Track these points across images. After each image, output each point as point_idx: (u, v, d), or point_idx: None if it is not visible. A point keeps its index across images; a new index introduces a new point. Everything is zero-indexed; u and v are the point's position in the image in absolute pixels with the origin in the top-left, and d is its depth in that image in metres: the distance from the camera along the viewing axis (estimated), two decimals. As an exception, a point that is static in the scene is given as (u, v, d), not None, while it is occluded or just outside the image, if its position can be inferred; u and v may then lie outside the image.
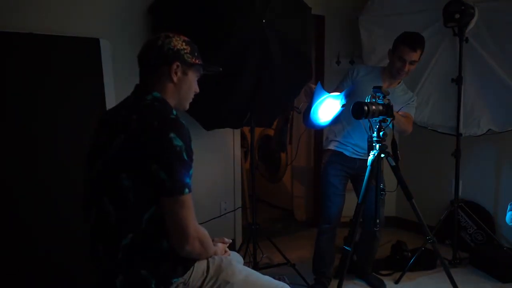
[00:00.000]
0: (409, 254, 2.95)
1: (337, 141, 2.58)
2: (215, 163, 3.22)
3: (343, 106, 2.24)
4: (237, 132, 3.34)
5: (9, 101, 2.14)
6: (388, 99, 2.10)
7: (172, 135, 1.25)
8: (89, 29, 2.49)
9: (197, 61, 1.45)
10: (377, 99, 2.08)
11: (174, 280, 1.34)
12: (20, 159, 2.16)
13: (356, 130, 2.46)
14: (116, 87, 2.52)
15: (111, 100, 2.42)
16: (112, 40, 2.50)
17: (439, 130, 3.15)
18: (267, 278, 1.51)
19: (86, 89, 2.35)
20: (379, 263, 2.97)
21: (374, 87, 2.10)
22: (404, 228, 3.76)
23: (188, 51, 1.42)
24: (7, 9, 2.29)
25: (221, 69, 1.60)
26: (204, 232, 1.36)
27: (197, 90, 1.51)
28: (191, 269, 1.38)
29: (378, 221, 2.24)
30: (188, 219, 1.28)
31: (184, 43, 1.42)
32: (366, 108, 1.98)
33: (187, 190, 1.27)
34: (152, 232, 1.30)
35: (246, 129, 3.85)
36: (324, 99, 2.32)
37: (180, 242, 1.29)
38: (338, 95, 2.29)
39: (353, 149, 2.53)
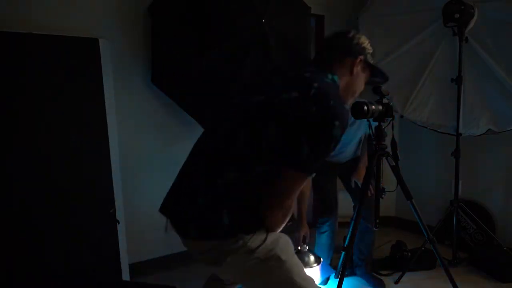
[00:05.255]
0: (409, 254, 2.95)
1: None
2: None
3: None
4: (237, 132, 3.33)
5: (8, 101, 2.14)
6: (388, 99, 2.10)
7: (337, 123, 1.22)
8: (88, 29, 2.49)
9: (372, 64, 1.51)
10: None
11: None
12: (17, 158, 2.16)
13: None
14: (116, 87, 2.53)
15: (111, 100, 2.42)
16: (111, 40, 2.50)
17: (438, 130, 3.15)
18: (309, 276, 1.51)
19: (85, 89, 2.35)
20: (379, 263, 2.97)
21: (374, 88, 2.10)
22: (404, 228, 3.75)
23: (370, 53, 1.49)
24: (6, 9, 2.29)
25: (388, 78, 1.61)
26: (291, 210, 1.35)
27: (362, 89, 1.53)
28: (255, 233, 1.35)
29: (377, 221, 2.24)
30: (294, 193, 1.29)
31: (368, 44, 1.50)
32: (366, 108, 1.98)
33: (314, 174, 1.29)
34: (253, 183, 1.28)
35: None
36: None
37: (273, 207, 1.29)
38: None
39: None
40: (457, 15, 2.76)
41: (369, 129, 2.14)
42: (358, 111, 1.99)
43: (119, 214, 2.45)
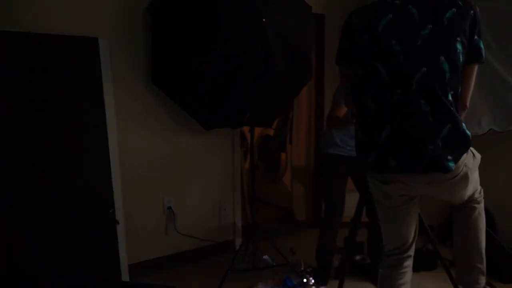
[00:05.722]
0: (410, 254, 2.94)
1: (337, 145, 2.65)
2: (214, 163, 3.22)
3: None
4: (237, 132, 3.33)
5: (7, 100, 2.14)
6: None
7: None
8: (87, 28, 2.48)
9: None
10: None
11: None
12: (16, 158, 2.15)
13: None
14: (115, 87, 2.52)
15: (110, 100, 2.42)
16: (111, 40, 2.50)
17: (439, 130, 3.14)
18: None
19: (84, 88, 2.34)
20: (380, 263, 2.96)
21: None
22: (404, 228, 3.74)
23: None
24: (5, 8, 2.28)
25: None
26: None
27: None
28: None
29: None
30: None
31: None
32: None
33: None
34: (459, 91, 1.62)
35: (246, 129, 3.84)
36: None
37: (463, 105, 1.67)
38: None
39: (348, 148, 2.62)
40: (458, 15, 2.75)
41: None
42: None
43: (119, 215, 2.44)
